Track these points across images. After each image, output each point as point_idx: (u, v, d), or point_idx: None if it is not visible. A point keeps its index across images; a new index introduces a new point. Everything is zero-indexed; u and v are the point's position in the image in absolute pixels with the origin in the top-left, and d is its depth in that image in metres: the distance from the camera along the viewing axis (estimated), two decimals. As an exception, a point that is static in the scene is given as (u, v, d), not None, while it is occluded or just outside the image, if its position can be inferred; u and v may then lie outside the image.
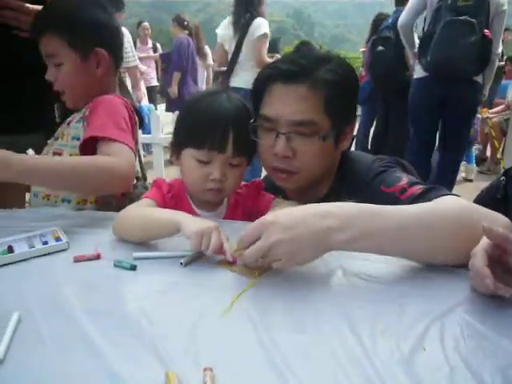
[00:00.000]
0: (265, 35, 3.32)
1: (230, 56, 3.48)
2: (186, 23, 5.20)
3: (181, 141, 1.04)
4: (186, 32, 5.21)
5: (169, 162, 4.09)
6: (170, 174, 4.02)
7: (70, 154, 1.23)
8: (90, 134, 1.12)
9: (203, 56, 5.66)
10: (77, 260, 0.86)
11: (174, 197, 1.07)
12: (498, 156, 5.02)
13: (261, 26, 3.31)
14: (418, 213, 0.77)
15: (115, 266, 0.84)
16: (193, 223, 0.84)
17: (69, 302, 0.71)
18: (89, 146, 1.13)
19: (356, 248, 0.76)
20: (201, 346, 0.60)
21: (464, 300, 0.70)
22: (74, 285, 0.77)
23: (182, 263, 0.83)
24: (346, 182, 1.09)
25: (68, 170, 1.02)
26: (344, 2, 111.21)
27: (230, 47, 3.48)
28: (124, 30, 3.76)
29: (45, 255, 0.90)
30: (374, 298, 0.72)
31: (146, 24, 6.49)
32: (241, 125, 1.01)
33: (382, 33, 4.07)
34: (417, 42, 3.20)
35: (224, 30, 3.53)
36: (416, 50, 3.13)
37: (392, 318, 0.66)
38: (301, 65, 1.02)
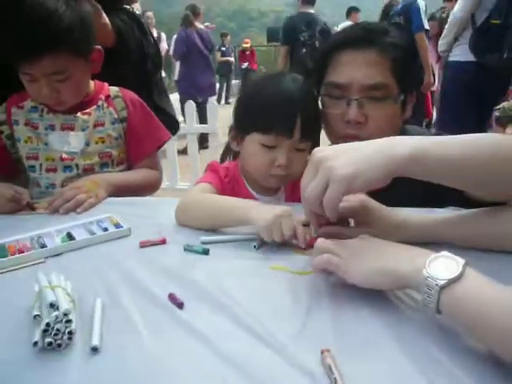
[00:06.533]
0: None
1: None
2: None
3: (245, 125, 0.99)
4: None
5: (178, 152, 3.97)
6: (181, 163, 3.96)
7: (119, 154, 1.27)
8: (151, 149, 1.32)
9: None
10: (143, 245, 0.83)
11: (230, 181, 1.03)
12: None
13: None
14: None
15: (185, 250, 0.80)
16: (261, 216, 0.80)
17: (149, 286, 0.68)
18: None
19: (426, 165, 0.64)
20: (308, 329, 0.57)
21: None
22: (148, 269, 0.74)
23: (255, 246, 0.80)
24: None
25: (137, 186, 1.25)
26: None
27: None
28: None
29: (105, 242, 0.87)
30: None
31: (150, 13, 6.45)
32: (308, 108, 0.97)
33: (392, 18, 4.06)
34: None
35: None
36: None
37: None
38: (369, 31, 1.03)
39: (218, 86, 10.08)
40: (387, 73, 1.00)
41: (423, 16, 4.00)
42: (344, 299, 0.63)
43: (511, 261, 0.72)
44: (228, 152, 1.14)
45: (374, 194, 0.84)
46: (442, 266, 0.53)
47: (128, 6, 1.45)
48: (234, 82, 12.01)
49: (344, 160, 0.64)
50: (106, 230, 0.89)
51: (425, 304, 0.54)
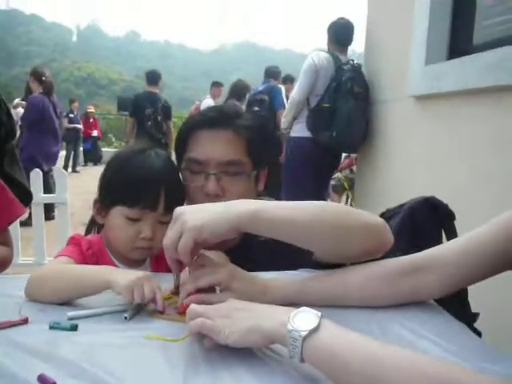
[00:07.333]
0: None
1: None
2: (43, 78, 5.00)
3: (110, 199, 1.02)
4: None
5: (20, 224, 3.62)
6: (25, 235, 3.63)
7: None
8: (2, 225, 1.23)
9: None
10: (1, 327, 0.76)
11: (94, 254, 1.02)
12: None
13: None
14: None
15: (51, 327, 0.76)
16: (122, 278, 0.82)
17: (14, 371, 0.62)
18: None
19: (259, 223, 0.80)
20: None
21: None
22: (10, 353, 0.68)
23: (126, 317, 0.80)
24: None
25: None
26: (191, 68, 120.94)
27: None
28: None
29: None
30: None
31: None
32: (172, 182, 1.04)
33: (257, 96, 4.69)
34: None
35: None
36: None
37: None
38: (224, 113, 1.14)
39: (64, 153, 9.64)
40: (242, 151, 1.12)
41: (283, 96, 4.68)
42: (219, 361, 0.67)
43: (356, 313, 0.86)
44: (93, 225, 1.13)
45: (237, 258, 0.93)
46: (303, 319, 0.61)
47: None
48: (81, 149, 11.60)
49: (195, 216, 0.79)
50: (-48, 313, 0.80)
51: (290, 355, 0.61)
